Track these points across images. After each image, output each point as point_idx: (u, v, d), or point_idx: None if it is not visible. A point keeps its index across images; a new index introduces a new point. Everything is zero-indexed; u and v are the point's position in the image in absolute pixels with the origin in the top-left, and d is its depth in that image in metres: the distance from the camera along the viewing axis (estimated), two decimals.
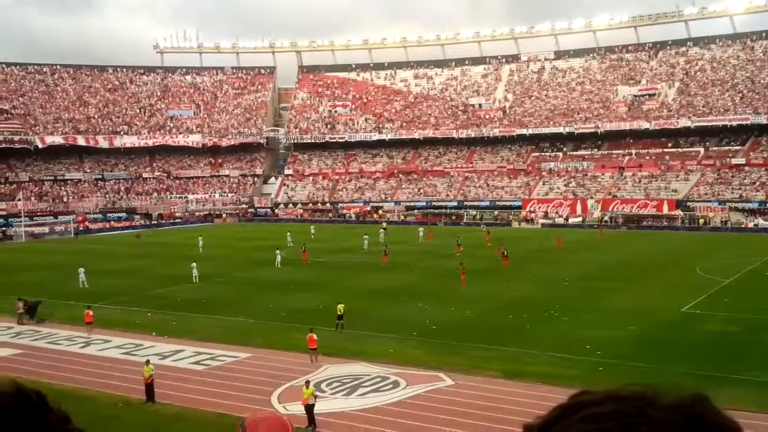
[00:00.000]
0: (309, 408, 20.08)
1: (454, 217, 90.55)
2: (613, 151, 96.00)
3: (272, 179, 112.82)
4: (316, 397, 20.62)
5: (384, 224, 77.41)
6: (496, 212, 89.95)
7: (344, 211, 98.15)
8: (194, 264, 45.71)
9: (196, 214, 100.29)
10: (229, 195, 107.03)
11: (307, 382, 21.15)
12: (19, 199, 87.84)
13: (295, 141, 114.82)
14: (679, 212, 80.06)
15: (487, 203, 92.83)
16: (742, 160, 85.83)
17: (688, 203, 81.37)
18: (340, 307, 30.94)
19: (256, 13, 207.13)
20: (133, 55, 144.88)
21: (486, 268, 47.56)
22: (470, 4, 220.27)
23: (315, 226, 79.71)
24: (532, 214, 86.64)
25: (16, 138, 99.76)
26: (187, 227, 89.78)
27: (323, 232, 75.82)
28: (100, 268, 49.95)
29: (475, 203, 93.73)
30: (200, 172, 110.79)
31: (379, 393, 22.77)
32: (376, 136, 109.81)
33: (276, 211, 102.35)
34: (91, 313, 31.60)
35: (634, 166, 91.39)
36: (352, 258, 55.82)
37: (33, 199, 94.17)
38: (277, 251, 51.77)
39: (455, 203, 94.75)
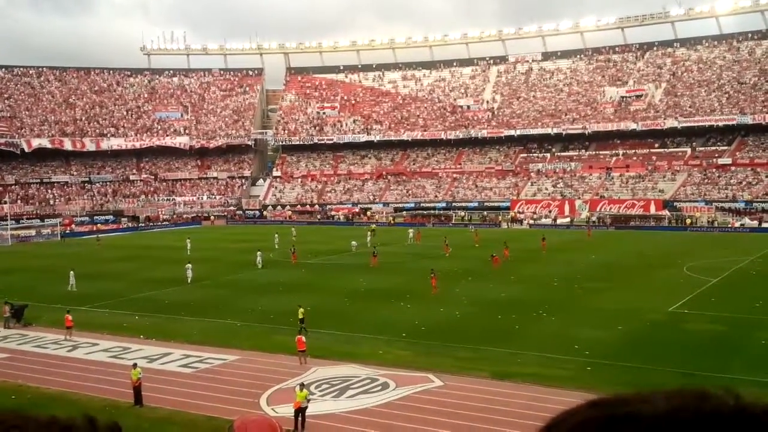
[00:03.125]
0: (301, 411, 19.94)
1: (442, 218, 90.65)
2: (601, 152, 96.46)
3: (260, 181, 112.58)
4: (309, 400, 20.51)
5: (372, 226, 77.35)
6: (484, 213, 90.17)
7: (333, 213, 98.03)
8: (189, 265, 45.49)
9: (184, 216, 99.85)
10: (217, 197, 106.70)
11: (302, 385, 21.00)
12: (5, 202, 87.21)
13: (283, 143, 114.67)
14: (666, 212, 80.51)
15: (476, 204, 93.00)
16: (729, 160, 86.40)
17: (675, 203, 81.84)
18: (301, 310, 30.70)
19: (244, 15, 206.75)
20: (124, 56, 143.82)
21: (475, 269, 47.64)
22: (462, 4, 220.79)
23: (296, 227, 79.21)
24: (521, 215, 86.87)
25: (2, 141, 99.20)
26: (174, 229, 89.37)
27: (312, 234, 75.66)
28: (86, 271, 49.60)
29: (464, 204, 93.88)
30: (188, 174, 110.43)
31: (368, 395, 22.72)
32: (364, 138, 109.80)
33: (264, 213, 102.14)
34: (70, 317, 31.25)
35: (622, 167, 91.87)
36: (340, 259, 55.77)
37: (19, 201, 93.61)
38: (258, 252, 51.71)
39: (444, 204, 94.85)
